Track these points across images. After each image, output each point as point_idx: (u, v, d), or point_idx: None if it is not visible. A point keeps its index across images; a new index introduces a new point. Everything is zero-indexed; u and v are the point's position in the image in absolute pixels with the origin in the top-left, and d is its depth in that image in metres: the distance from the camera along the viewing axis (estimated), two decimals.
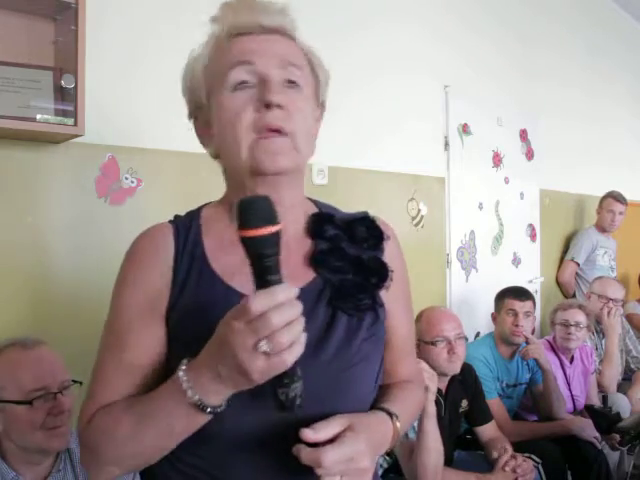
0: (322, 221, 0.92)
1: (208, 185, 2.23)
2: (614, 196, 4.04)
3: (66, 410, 1.43)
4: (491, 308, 2.94)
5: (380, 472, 2.02)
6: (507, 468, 2.13)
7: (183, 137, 2.15)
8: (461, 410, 2.38)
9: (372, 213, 1.00)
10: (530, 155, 3.93)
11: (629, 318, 3.97)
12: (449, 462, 2.12)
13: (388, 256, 0.97)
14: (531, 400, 2.85)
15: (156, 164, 2.07)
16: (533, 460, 2.32)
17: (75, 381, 1.50)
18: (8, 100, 1.62)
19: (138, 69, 2.02)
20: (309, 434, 0.75)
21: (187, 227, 0.90)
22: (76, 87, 1.67)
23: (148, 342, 0.85)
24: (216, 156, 0.92)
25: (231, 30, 0.87)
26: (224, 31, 0.88)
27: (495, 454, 2.19)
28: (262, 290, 0.66)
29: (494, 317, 2.88)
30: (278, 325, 0.65)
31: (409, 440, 1.96)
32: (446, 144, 3.30)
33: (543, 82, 4.02)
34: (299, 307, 0.67)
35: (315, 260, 0.89)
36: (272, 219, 0.68)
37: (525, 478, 2.14)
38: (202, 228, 0.90)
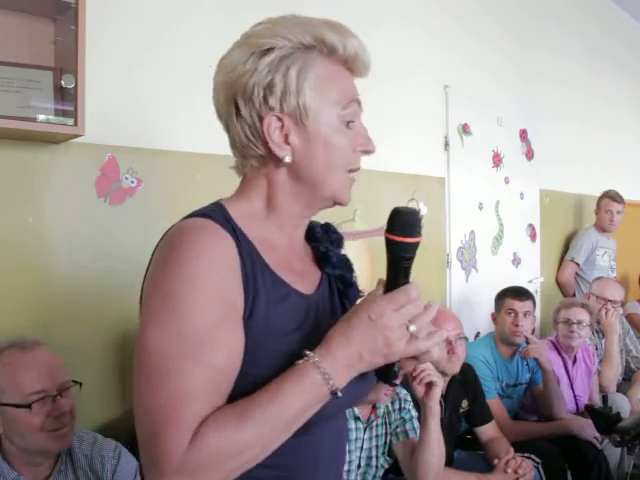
0: (312, 228, 1.02)
1: (208, 185, 2.24)
2: (611, 196, 4.04)
3: (66, 412, 1.42)
4: (491, 308, 2.94)
5: (380, 472, 2.02)
6: (509, 470, 2.13)
7: (183, 137, 2.17)
8: (461, 410, 2.38)
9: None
10: (530, 155, 3.93)
11: (629, 318, 3.98)
12: (449, 462, 2.12)
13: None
14: (531, 400, 2.85)
15: (156, 164, 2.07)
16: (533, 460, 2.32)
17: (75, 382, 1.50)
18: (8, 100, 1.62)
19: (138, 69, 2.02)
20: None
21: (233, 229, 0.85)
22: (76, 87, 1.67)
23: (234, 344, 0.79)
24: (275, 159, 0.88)
25: (349, 59, 0.90)
26: (343, 54, 0.89)
27: (496, 461, 2.19)
28: (411, 284, 0.82)
29: (494, 317, 2.89)
30: (420, 310, 0.81)
31: (410, 439, 1.96)
32: (446, 144, 3.30)
33: (543, 82, 4.02)
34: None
35: (320, 260, 0.99)
36: (420, 231, 0.84)
37: (525, 478, 2.14)
38: (242, 229, 0.87)
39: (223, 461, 0.73)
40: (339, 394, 0.78)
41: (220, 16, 2.23)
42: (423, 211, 3.15)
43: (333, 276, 1.00)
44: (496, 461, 2.17)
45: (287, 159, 0.87)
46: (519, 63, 3.83)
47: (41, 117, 1.64)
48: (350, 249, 2.83)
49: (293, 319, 0.87)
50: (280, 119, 0.86)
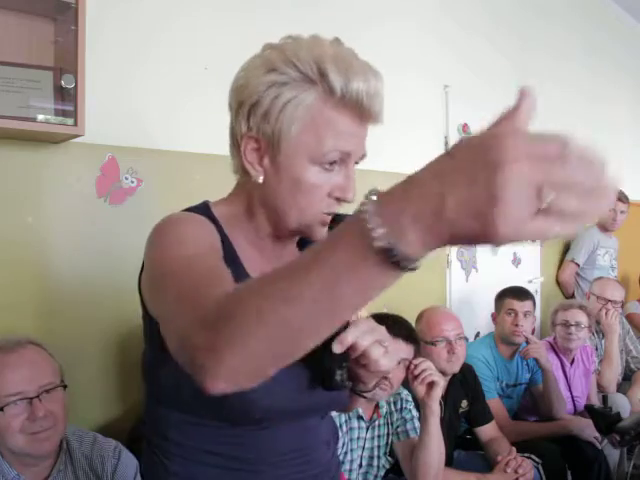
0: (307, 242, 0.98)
1: (208, 185, 2.23)
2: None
3: (43, 416, 1.38)
4: (491, 308, 2.94)
5: (381, 472, 2.02)
6: (509, 470, 2.13)
7: (183, 137, 2.16)
8: (461, 410, 2.38)
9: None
10: None
11: (629, 318, 3.97)
12: (449, 462, 2.12)
13: None
14: (531, 400, 2.85)
15: (156, 164, 2.07)
16: (533, 460, 2.32)
17: (64, 386, 1.47)
18: (8, 100, 1.62)
19: (138, 69, 2.02)
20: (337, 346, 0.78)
21: (212, 220, 0.89)
22: (76, 87, 1.67)
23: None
24: (249, 176, 0.88)
25: (350, 104, 0.83)
26: (341, 97, 0.82)
27: (499, 458, 2.18)
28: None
29: (494, 317, 2.89)
30: (576, 180, 0.44)
31: (410, 439, 1.96)
32: (446, 144, 3.30)
33: (543, 82, 4.02)
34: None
35: None
36: None
37: (525, 478, 2.14)
38: (223, 226, 0.90)
39: (258, 309, 0.55)
40: (402, 263, 0.48)
41: (220, 17, 2.23)
42: None
43: None
44: (500, 458, 2.17)
45: (259, 180, 0.87)
46: (519, 63, 3.83)
47: (41, 117, 1.64)
48: None
49: None
50: (257, 141, 0.86)
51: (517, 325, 2.71)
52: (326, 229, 0.89)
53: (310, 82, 0.83)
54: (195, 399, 0.82)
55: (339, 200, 0.88)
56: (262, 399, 0.80)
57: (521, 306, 2.75)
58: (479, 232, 0.45)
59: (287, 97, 0.83)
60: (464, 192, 0.45)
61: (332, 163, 0.86)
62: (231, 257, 0.86)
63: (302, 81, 0.82)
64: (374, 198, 0.50)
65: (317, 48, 0.83)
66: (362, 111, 0.85)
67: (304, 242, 1.00)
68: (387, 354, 0.81)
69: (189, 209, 0.91)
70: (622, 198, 4.02)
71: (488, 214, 0.43)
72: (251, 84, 0.85)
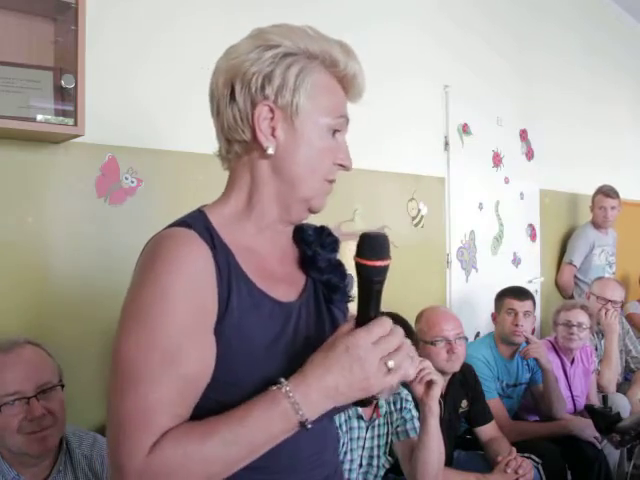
0: (302, 231, 1.01)
1: (208, 185, 2.24)
2: (604, 191, 4.03)
3: (41, 415, 1.38)
4: (491, 308, 2.94)
5: (381, 472, 2.02)
6: (509, 470, 2.13)
7: (183, 137, 2.17)
8: (461, 410, 2.38)
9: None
10: (530, 155, 3.93)
11: (629, 318, 3.97)
12: (449, 462, 2.12)
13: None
14: (531, 400, 2.85)
15: (156, 164, 2.07)
16: (533, 460, 2.32)
17: (62, 385, 1.46)
18: (8, 100, 1.62)
19: (138, 69, 2.02)
20: None
21: (211, 237, 0.87)
22: (76, 87, 1.67)
23: (204, 354, 0.81)
24: (259, 149, 0.90)
25: (347, 79, 0.93)
26: (342, 70, 0.92)
27: (500, 458, 2.18)
28: (382, 317, 0.81)
29: (494, 317, 2.89)
30: (398, 344, 0.80)
31: (410, 439, 1.96)
32: (446, 144, 3.30)
33: (543, 82, 4.02)
34: (401, 330, 0.82)
35: (306, 263, 0.99)
36: (388, 254, 0.83)
37: (525, 478, 2.14)
38: (221, 235, 0.88)
39: (181, 474, 0.75)
40: (308, 426, 0.78)
41: (220, 17, 2.23)
42: (423, 211, 3.15)
43: (319, 281, 0.99)
44: (500, 458, 2.17)
45: (270, 150, 0.89)
46: (519, 63, 3.83)
47: (41, 117, 1.64)
48: (350, 249, 2.81)
49: (269, 328, 0.87)
50: (272, 110, 0.88)
51: (517, 325, 2.71)
52: (326, 202, 0.96)
53: (312, 57, 0.90)
54: (213, 412, 0.81)
55: (341, 167, 0.95)
56: None
57: (521, 306, 2.75)
58: (362, 393, 0.80)
59: (298, 67, 0.88)
60: (347, 378, 0.79)
61: (336, 131, 0.92)
62: (227, 265, 0.85)
63: (306, 55, 0.89)
64: (289, 387, 0.78)
65: (314, 33, 0.92)
66: (353, 86, 0.95)
67: (298, 241, 1.01)
68: (413, 362, 0.86)
69: (185, 221, 0.88)
70: (611, 194, 4.01)
71: (365, 385, 0.79)
72: (255, 59, 0.88)
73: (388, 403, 2.01)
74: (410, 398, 2.01)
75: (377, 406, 1.98)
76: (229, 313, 0.83)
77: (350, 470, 1.92)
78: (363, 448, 1.95)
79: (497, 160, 3.65)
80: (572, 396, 2.92)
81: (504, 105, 3.67)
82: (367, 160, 2.80)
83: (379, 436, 1.98)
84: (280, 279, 0.93)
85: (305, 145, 0.90)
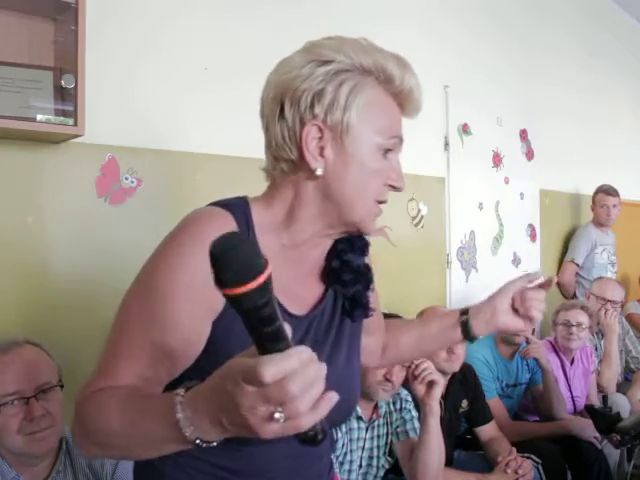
0: (338, 241, 0.96)
1: (208, 185, 2.24)
2: (605, 190, 4.03)
3: (40, 416, 1.37)
4: None
5: (381, 473, 2.02)
6: (509, 470, 2.13)
7: (183, 137, 2.16)
8: (461, 410, 2.38)
9: None
10: (530, 155, 3.93)
11: (629, 318, 3.97)
12: (449, 462, 2.12)
13: (369, 261, 1.05)
14: (531, 400, 2.85)
15: (156, 164, 2.07)
16: (533, 460, 2.32)
17: (61, 385, 1.46)
18: (8, 100, 1.62)
19: (138, 69, 2.02)
20: None
21: (246, 225, 0.87)
22: (76, 87, 1.67)
23: (194, 336, 0.81)
24: (306, 169, 0.86)
25: (403, 94, 0.91)
26: (398, 87, 0.89)
27: (500, 458, 2.18)
28: (273, 355, 0.58)
29: None
30: (295, 393, 0.59)
31: (410, 439, 1.96)
32: (446, 144, 3.30)
33: (543, 82, 4.02)
34: (316, 367, 0.61)
35: (329, 275, 0.96)
36: (259, 266, 0.56)
37: (525, 478, 2.14)
38: (256, 232, 0.87)
39: (94, 426, 0.78)
40: (204, 445, 0.68)
41: (220, 17, 2.23)
42: (423, 211, 3.14)
43: (343, 295, 0.96)
44: (500, 458, 2.17)
45: (319, 171, 0.86)
46: (519, 63, 3.83)
47: (41, 117, 1.64)
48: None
49: None
50: (321, 130, 0.85)
51: None
52: (374, 224, 0.92)
53: (365, 72, 0.86)
54: None
55: (392, 188, 0.91)
56: None
57: None
58: (250, 433, 0.63)
59: (351, 84, 0.85)
60: (229, 418, 0.64)
61: (388, 150, 0.89)
62: None
63: (360, 71, 0.86)
64: (182, 399, 0.68)
65: (367, 45, 0.89)
66: (409, 102, 0.92)
67: (330, 255, 0.96)
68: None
69: (227, 204, 0.87)
70: (612, 192, 4.01)
71: (250, 431, 0.63)
72: (308, 75, 0.85)
73: (388, 403, 2.01)
74: (410, 398, 2.01)
75: (377, 406, 1.98)
76: (231, 311, 0.78)
77: (350, 470, 1.92)
78: (363, 449, 1.95)
79: (497, 160, 3.65)
80: (572, 396, 2.92)
81: (504, 105, 3.67)
82: None
83: (379, 436, 1.98)
84: (298, 292, 0.91)
85: (355, 166, 0.86)
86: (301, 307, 0.91)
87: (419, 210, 3.12)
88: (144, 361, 0.80)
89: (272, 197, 0.92)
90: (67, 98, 1.69)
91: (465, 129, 3.40)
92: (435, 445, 1.82)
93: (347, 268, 0.96)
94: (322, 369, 0.61)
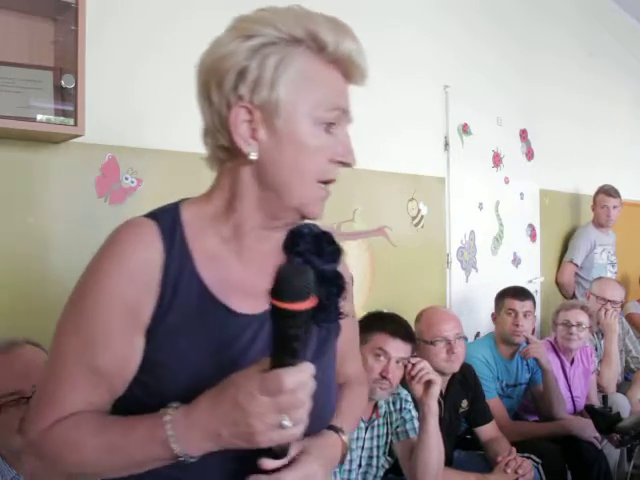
0: (296, 236, 0.90)
1: (207, 185, 2.23)
2: (605, 191, 4.04)
3: None
4: (491, 308, 2.94)
5: (380, 472, 2.02)
6: (509, 470, 2.13)
7: (183, 137, 2.16)
8: (461, 410, 2.38)
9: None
10: (530, 155, 3.93)
11: (629, 318, 3.97)
12: (449, 462, 2.12)
13: (342, 269, 0.95)
14: (531, 400, 2.85)
15: (156, 164, 2.07)
16: (533, 460, 2.32)
17: None
18: (8, 100, 1.62)
19: (138, 69, 2.02)
20: (268, 463, 0.75)
21: (172, 230, 0.82)
22: (76, 87, 1.67)
23: (124, 353, 0.79)
24: (241, 155, 0.81)
25: (341, 61, 0.82)
26: (333, 53, 0.81)
27: (500, 458, 2.18)
28: (293, 367, 0.68)
29: (494, 317, 2.88)
30: (305, 401, 0.70)
31: (410, 439, 1.96)
32: (446, 144, 3.30)
33: (543, 82, 4.02)
34: (313, 382, 0.71)
35: None
36: (310, 292, 0.69)
37: (525, 478, 2.14)
38: (186, 234, 0.83)
39: (68, 458, 0.76)
40: (189, 460, 0.72)
41: (220, 17, 2.22)
42: (423, 211, 3.15)
43: None
44: (500, 458, 2.17)
45: (252, 156, 0.79)
46: (519, 63, 3.83)
47: (41, 117, 1.64)
48: (350, 249, 2.83)
49: (217, 338, 0.80)
50: (250, 111, 0.79)
51: (517, 325, 2.71)
52: (322, 207, 0.85)
53: (296, 42, 0.79)
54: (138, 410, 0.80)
55: (341, 164, 0.84)
56: None
57: (521, 306, 2.75)
58: (249, 445, 0.70)
59: (278, 57, 0.78)
60: (232, 429, 0.70)
61: (331, 124, 0.81)
62: (179, 269, 0.80)
63: (287, 41, 0.79)
64: (170, 417, 0.72)
65: (300, 11, 0.82)
66: (352, 68, 0.84)
67: (288, 250, 0.90)
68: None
69: (154, 214, 0.85)
70: (612, 193, 4.02)
71: (251, 440, 0.70)
72: (231, 53, 0.79)
73: (387, 403, 2.01)
74: (410, 398, 2.01)
75: (376, 406, 1.98)
76: (169, 316, 0.78)
77: (349, 470, 1.92)
78: (362, 448, 1.95)
79: (497, 160, 3.65)
80: (572, 396, 2.92)
81: (504, 105, 3.67)
82: (367, 160, 2.79)
83: (378, 436, 1.98)
84: (249, 289, 0.84)
85: (291, 146, 0.79)
86: (257, 304, 0.83)
87: (419, 210, 3.12)
88: (86, 386, 0.79)
89: (213, 189, 0.89)
90: (67, 98, 1.69)
91: (465, 129, 3.40)
92: (434, 445, 1.82)
93: (311, 268, 0.88)
94: (314, 384, 0.71)
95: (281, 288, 0.68)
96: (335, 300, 0.90)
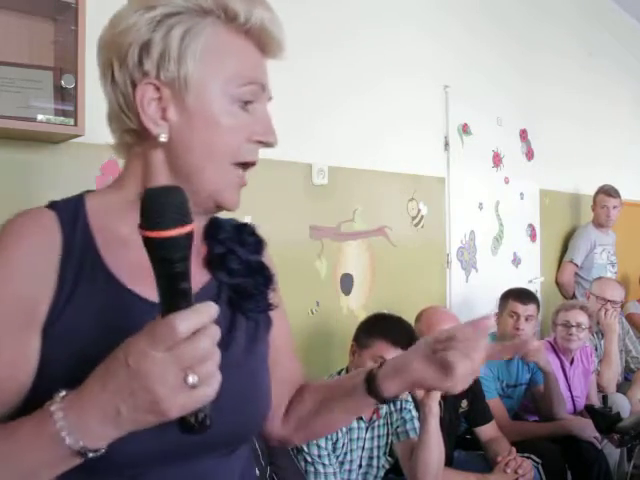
0: (215, 226, 0.85)
1: None
2: (605, 191, 4.04)
3: None
4: (491, 308, 2.94)
5: (381, 473, 2.02)
6: (508, 470, 2.13)
7: None
8: (461, 410, 2.38)
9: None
10: (530, 155, 3.93)
11: (629, 318, 3.97)
12: (449, 462, 2.12)
13: (266, 261, 0.90)
14: (531, 400, 2.85)
15: None
16: (533, 460, 2.32)
17: None
18: (8, 100, 1.62)
19: None
20: None
21: (73, 220, 0.75)
22: (76, 87, 1.67)
23: (13, 357, 0.68)
24: (151, 137, 0.73)
25: (253, 31, 0.75)
26: (244, 23, 0.74)
27: (500, 459, 2.18)
28: (186, 309, 0.57)
29: (497, 317, 2.86)
30: (209, 348, 0.57)
31: (410, 439, 1.96)
32: (446, 144, 3.31)
33: (543, 82, 4.02)
34: (217, 328, 0.58)
35: (213, 263, 0.82)
36: (186, 217, 0.58)
37: (525, 478, 2.14)
38: (91, 224, 0.76)
39: None
40: (90, 454, 0.60)
41: None
42: (423, 211, 3.15)
43: (226, 284, 0.82)
44: (500, 458, 2.17)
45: (162, 137, 0.73)
46: (519, 63, 3.83)
47: (41, 117, 1.64)
48: (350, 249, 2.84)
49: (125, 328, 0.67)
50: (157, 89, 0.72)
51: (518, 329, 2.70)
52: (239, 196, 0.78)
53: (203, 12, 0.73)
54: None
55: (260, 144, 0.77)
56: (127, 443, 0.62)
57: (524, 310, 2.72)
58: (157, 418, 0.58)
59: (183, 28, 0.71)
60: (131, 401, 0.57)
61: (247, 102, 0.75)
62: (81, 261, 0.72)
63: (194, 11, 0.72)
64: (56, 406, 0.59)
65: None
66: (266, 39, 0.76)
67: (209, 237, 0.84)
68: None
69: (53, 204, 0.77)
70: (612, 194, 4.03)
71: (157, 410, 0.57)
72: (132, 25, 0.71)
73: (388, 404, 2.01)
74: (410, 398, 2.01)
75: (377, 407, 1.98)
76: (69, 311, 0.70)
77: (350, 470, 1.93)
78: (363, 449, 1.95)
79: (497, 160, 3.65)
80: (572, 396, 2.92)
81: (504, 105, 3.67)
82: (367, 160, 2.80)
83: (379, 437, 1.98)
84: None
85: (204, 125, 0.73)
86: None
87: (419, 210, 3.12)
88: None
89: (123, 175, 0.81)
90: (67, 98, 1.69)
91: (465, 129, 3.40)
92: (435, 445, 1.82)
93: (234, 257, 0.82)
94: (217, 330, 0.59)
95: (153, 214, 0.57)
96: (263, 290, 0.84)
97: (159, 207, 0.57)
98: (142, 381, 0.56)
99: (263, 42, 0.77)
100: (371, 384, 0.84)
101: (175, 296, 0.58)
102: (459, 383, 0.78)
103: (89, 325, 0.70)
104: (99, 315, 0.71)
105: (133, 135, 0.76)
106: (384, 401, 0.85)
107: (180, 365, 0.56)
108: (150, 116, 0.72)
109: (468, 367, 0.76)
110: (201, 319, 0.57)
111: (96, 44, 0.77)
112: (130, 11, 0.72)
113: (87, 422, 0.58)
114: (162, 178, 0.75)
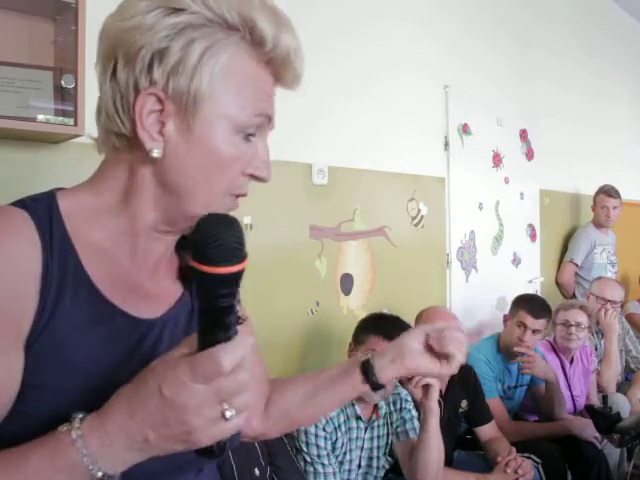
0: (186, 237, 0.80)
1: None
2: (606, 191, 4.04)
3: None
4: (491, 308, 2.94)
5: (381, 473, 2.02)
6: (508, 470, 2.13)
7: None
8: (461, 410, 2.38)
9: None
10: (530, 155, 3.93)
11: (629, 318, 3.98)
12: (449, 462, 2.12)
13: None
14: (532, 401, 2.85)
15: None
16: (533, 460, 2.32)
17: None
18: (8, 100, 1.62)
19: None
20: None
21: (48, 223, 0.67)
22: (76, 87, 1.67)
23: (4, 370, 0.63)
24: (142, 148, 0.68)
25: (277, 60, 0.70)
26: (270, 51, 0.69)
27: (500, 459, 2.18)
28: (229, 342, 0.55)
29: (505, 319, 2.84)
30: (245, 384, 0.56)
31: (410, 439, 1.96)
32: (446, 144, 3.31)
33: (543, 82, 4.03)
34: (251, 359, 0.58)
35: (186, 275, 0.80)
36: (244, 251, 0.55)
37: (525, 478, 2.14)
38: (68, 227, 0.69)
39: None
40: (105, 479, 0.57)
41: None
42: (423, 211, 3.14)
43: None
44: (500, 458, 2.17)
45: (155, 153, 0.67)
46: (519, 63, 3.84)
47: (41, 117, 1.64)
48: (350, 249, 2.84)
49: (112, 346, 0.68)
50: (161, 101, 0.66)
51: (522, 340, 2.67)
52: None
53: (228, 28, 0.66)
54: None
55: (254, 177, 0.72)
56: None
57: (533, 323, 2.66)
58: (186, 446, 0.57)
59: (205, 44, 0.65)
60: (162, 431, 0.56)
61: (250, 135, 0.70)
62: (63, 270, 0.66)
63: (219, 26, 0.66)
64: (80, 432, 0.56)
65: None
66: (286, 71, 0.72)
67: (182, 247, 0.80)
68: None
69: (24, 203, 0.69)
70: (613, 194, 4.03)
71: (188, 439, 0.56)
72: (150, 26, 0.65)
73: (387, 403, 2.01)
74: (410, 398, 2.01)
75: (376, 407, 1.98)
76: (51, 326, 0.64)
77: (349, 470, 1.93)
78: (362, 449, 1.95)
79: (497, 160, 3.65)
80: (572, 396, 2.92)
81: (504, 105, 3.68)
82: (367, 160, 2.80)
83: (378, 437, 1.98)
84: (145, 292, 0.74)
85: (202, 151, 0.67)
86: (155, 308, 0.74)
87: (419, 210, 3.12)
88: None
89: (102, 178, 0.75)
90: (67, 98, 1.69)
91: (465, 129, 3.40)
92: (435, 445, 1.82)
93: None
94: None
95: (208, 247, 0.53)
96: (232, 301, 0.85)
97: (221, 242, 0.54)
98: (178, 412, 0.55)
99: (281, 72, 0.72)
100: (368, 370, 0.88)
101: (218, 329, 0.56)
102: (454, 370, 0.90)
103: (74, 344, 0.65)
104: (83, 329, 0.66)
105: (123, 140, 0.70)
106: (376, 387, 0.89)
107: (219, 398, 0.55)
108: (147, 128, 0.67)
109: (461, 359, 0.89)
110: (243, 352, 0.56)
111: (100, 29, 0.71)
112: (150, 5, 0.65)
113: (112, 449, 0.57)
114: (148, 193, 0.70)
